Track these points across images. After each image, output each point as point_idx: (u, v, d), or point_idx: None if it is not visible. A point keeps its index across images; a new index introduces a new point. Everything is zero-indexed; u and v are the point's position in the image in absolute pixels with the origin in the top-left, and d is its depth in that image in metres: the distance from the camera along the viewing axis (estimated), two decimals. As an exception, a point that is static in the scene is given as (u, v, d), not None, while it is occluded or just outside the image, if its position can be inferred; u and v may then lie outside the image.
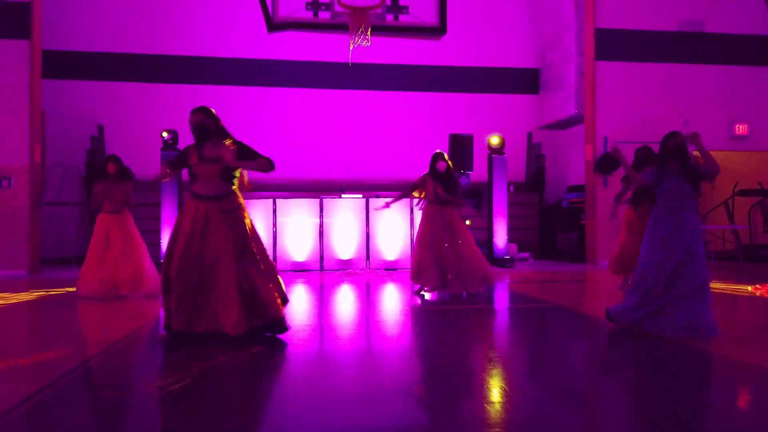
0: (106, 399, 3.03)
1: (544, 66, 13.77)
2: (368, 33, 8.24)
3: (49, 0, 11.62)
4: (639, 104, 11.17)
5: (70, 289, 7.16)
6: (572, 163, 13.30)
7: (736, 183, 11.10)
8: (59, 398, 3.01)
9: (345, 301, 6.63)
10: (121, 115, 12.66)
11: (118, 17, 12.83)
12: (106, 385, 3.36)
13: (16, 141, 9.83)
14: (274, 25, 8.52)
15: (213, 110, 4.46)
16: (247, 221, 4.26)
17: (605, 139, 10.93)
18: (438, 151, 6.64)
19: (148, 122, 12.26)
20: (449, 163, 6.58)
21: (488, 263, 6.78)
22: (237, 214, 4.21)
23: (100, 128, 12.48)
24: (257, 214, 10.19)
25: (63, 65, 12.43)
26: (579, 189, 12.21)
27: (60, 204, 12.06)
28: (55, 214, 12.01)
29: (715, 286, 7.74)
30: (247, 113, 13.02)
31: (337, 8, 8.32)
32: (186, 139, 11.91)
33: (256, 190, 12.58)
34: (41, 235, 10.48)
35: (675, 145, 4.41)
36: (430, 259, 6.38)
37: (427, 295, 6.60)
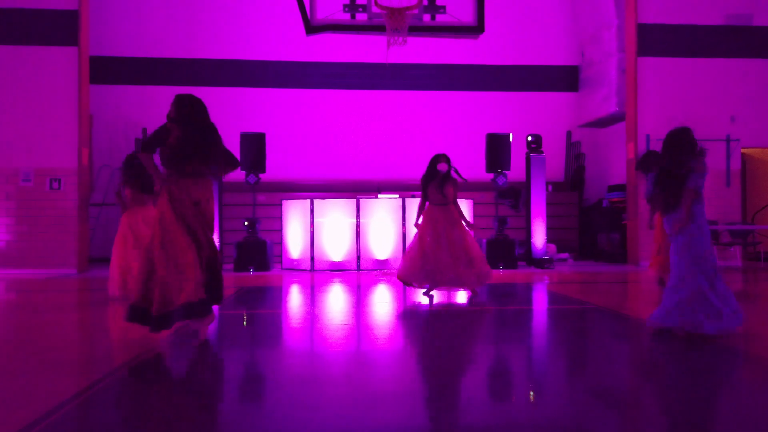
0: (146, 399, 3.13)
1: (584, 63, 13.53)
2: (406, 33, 8.24)
3: (95, 8, 12.02)
4: (683, 101, 10.86)
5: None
6: (613, 162, 13.02)
7: (787, 181, 10.68)
8: (108, 395, 3.12)
9: (381, 301, 6.66)
10: (163, 118, 12.95)
11: (160, 24, 13.18)
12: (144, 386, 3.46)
13: (66, 144, 10.21)
14: (312, 27, 8.61)
15: (185, 101, 4.42)
16: (161, 208, 4.22)
17: (647, 137, 10.67)
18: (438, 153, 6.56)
19: (190, 125, 12.55)
20: (449, 164, 6.43)
21: (484, 263, 6.44)
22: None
23: (144, 131, 12.84)
24: (295, 214, 10.32)
25: (108, 71, 12.84)
26: (620, 188, 11.96)
27: (107, 205, 12.46)
28: (102, 215, 12.42)
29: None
30: (284, 115, 13.20)
31: (375, 9, 8.35)
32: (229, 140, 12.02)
33: (294, 191, 12.79)
34: (89, 234, 10.85)
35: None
36: (420, 259, 6.30)
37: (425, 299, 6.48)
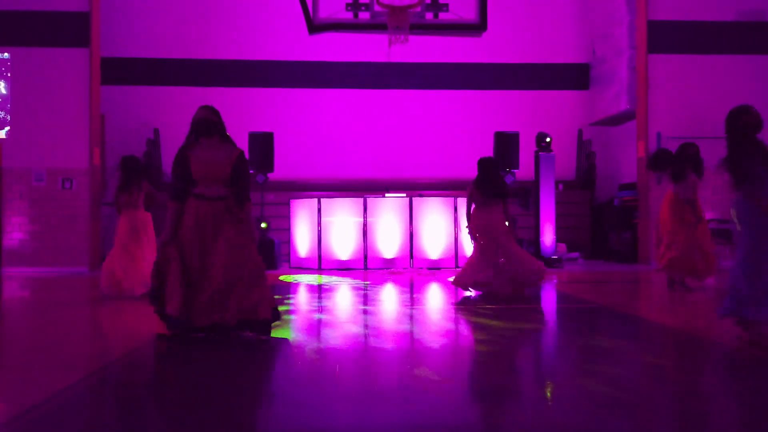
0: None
1: (595, 60, 13.41)
2: (407, 32, 8.24)
3: (108, 9, 12.15)
4: (694, 98, 10.72)
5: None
6: (624, 161, 12.89)
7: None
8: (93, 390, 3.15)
9: (389, 300, 6.66)
10: (175, 118, 13.09)
11: (171, 26, 13.27)
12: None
13: (77, 144, 10.33)
14: (315, 26, 8.65)
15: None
16: None
17: (658, 135, 10.55)
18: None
19: (200, 125, 12.62)
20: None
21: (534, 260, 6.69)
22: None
23: (156, 131, 12.96)
24: (303, 214, 10.36)
25: (120, 71, 12.97)
26: (631, 187, 11.83)
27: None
28: (114, 214, 12.54)
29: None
30: (292, 114, 13.24)
31: (377, 8, 8.36)
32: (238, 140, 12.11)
33: (302, 190, 12.83)
34: (101, 233, 10.98)
35: None
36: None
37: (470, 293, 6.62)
